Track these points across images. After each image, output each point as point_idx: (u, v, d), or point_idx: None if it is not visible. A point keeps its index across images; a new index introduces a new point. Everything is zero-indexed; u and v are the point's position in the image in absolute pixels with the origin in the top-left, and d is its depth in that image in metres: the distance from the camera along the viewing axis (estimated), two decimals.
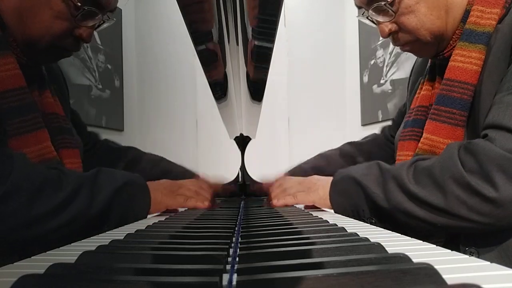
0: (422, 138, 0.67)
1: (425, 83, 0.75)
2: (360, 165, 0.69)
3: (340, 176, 0.68)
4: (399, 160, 0.75)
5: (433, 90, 0.73)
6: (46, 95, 0.71)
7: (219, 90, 0.71)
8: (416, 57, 0.84)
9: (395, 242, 0.33)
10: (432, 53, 0.71)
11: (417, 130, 0.73)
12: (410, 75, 0.89)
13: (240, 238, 0.34)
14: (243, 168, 1.13)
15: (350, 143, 1.04)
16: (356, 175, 0.64)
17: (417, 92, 0.77)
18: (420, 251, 0.29)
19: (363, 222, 0.56)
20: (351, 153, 1.01)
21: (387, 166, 0.63)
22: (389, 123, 1.03)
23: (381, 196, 0.59)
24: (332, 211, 0.69)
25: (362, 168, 0.67)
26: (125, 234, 0.37)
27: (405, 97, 0.90)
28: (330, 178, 0.70)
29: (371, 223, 0.58)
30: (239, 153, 1.13)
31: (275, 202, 0.74)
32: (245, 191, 1.13)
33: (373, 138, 1.04)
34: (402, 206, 0.57)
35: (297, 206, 0.75)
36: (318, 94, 2.61)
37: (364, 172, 0.64)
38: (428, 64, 0.76)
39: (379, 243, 0.27)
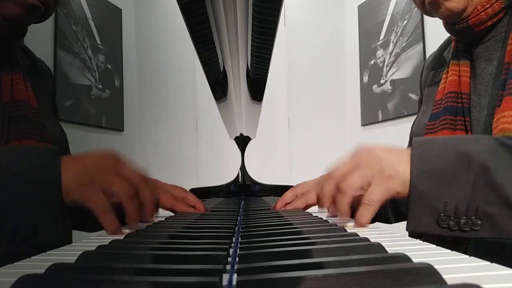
0: (504, 118, 0.51)
1: (450, 70, 0.69)
2: (459, 136, 0.48)
3: (432, 146, 0.44)
4: None
5: (461, 77, 0.66)
6: (16, 81, 0.64)
7: (219, 90, 0.71)
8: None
9: (395, 242, 0.33)
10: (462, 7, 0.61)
11: (450, 118, 0.63)
12: (422, 72, 0.84)
13: (240, 238, 0.34)
14: (243, 168, 1.13)
15: None
16: (469, 150, 0.42)
17: (442, 82, 0.71)
18: (420, 251, 0.29)
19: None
20: None
21: None
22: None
23: None
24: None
25: (470, 140, 0.44)
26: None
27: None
28: (407, 150, 0.46)
29: (471, 226, 0.39)
30: (239, 153, 1.13)
31: (327, 204, 0.47)
32: (245, 191, 1.13)
33: None
34: None
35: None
36: (318, 94, 2.61)
37: (482, 148, 0.42)
38: (451, 50, 0.71)
39: (379, 243, 0.27)
